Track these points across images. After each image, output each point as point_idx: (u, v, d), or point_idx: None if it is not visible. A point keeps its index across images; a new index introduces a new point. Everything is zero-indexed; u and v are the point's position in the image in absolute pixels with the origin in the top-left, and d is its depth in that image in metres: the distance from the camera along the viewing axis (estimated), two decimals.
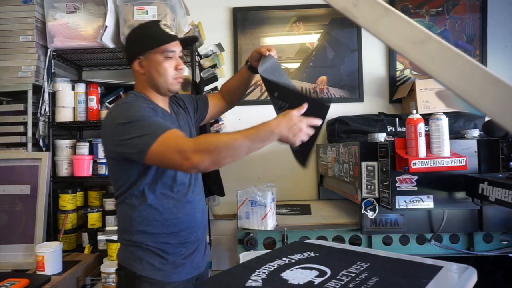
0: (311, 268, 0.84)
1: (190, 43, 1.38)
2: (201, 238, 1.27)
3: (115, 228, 1.81)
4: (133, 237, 1.16)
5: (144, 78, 1.21)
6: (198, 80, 2.08)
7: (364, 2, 0.38)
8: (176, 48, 1.21)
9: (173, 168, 1.09)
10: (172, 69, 1.20)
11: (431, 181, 1.46)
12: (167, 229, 1.16)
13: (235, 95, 1.50)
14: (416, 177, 1.45)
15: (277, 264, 0.86)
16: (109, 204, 2.12)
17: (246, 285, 0.73)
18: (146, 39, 1.19)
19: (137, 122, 1.04)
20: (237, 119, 2.36)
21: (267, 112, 2.40)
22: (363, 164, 1.55)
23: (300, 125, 1.02)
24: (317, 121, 1.04)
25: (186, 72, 1.28)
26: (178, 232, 1.18)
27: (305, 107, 1.05)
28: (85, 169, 2.06)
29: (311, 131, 1.04)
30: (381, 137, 1.61)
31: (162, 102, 1.25)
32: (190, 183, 1.23)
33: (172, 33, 1.21)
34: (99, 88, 2.18)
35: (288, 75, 1.13)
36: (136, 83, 1.25)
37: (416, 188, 1.46)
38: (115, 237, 1.83)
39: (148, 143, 1.01)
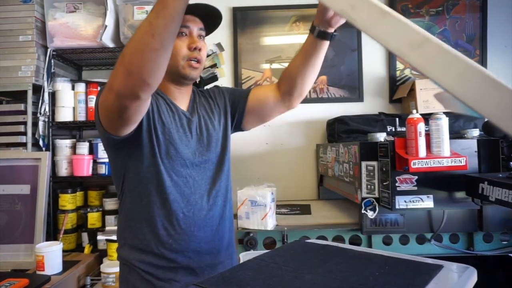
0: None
1: (211, 18, 1.02)
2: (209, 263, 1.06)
3: (115, 228, 1.81)
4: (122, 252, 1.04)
5: None
6: (198, 80, 2.08)
7: (362, 4, 0.38)
8: (191, 24, 0.99)
9: (114, 116, 0.89)
10: (183, 48, 0.98)
11: (431, 181, 1.46)
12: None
13: (295, 81, 1.06)
14: (416, 177, 1.45)
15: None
16: (109, 204, 2.12)
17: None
18: None
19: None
20: None
21: None
22: (363, 164, 1.55)
23: None
24: None
25: (204, 56, 1.01)
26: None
27: None
28: (85, 169, 2.06)
29: None
30: (381, 137, 1.61)
31: (179, 94, 1.06)
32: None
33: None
34: (99, 88, 2.18)
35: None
36: None
37: (416, 188, 1.46)
38: (115, 237, 1.83)
39: (97, 97, 0.93)
